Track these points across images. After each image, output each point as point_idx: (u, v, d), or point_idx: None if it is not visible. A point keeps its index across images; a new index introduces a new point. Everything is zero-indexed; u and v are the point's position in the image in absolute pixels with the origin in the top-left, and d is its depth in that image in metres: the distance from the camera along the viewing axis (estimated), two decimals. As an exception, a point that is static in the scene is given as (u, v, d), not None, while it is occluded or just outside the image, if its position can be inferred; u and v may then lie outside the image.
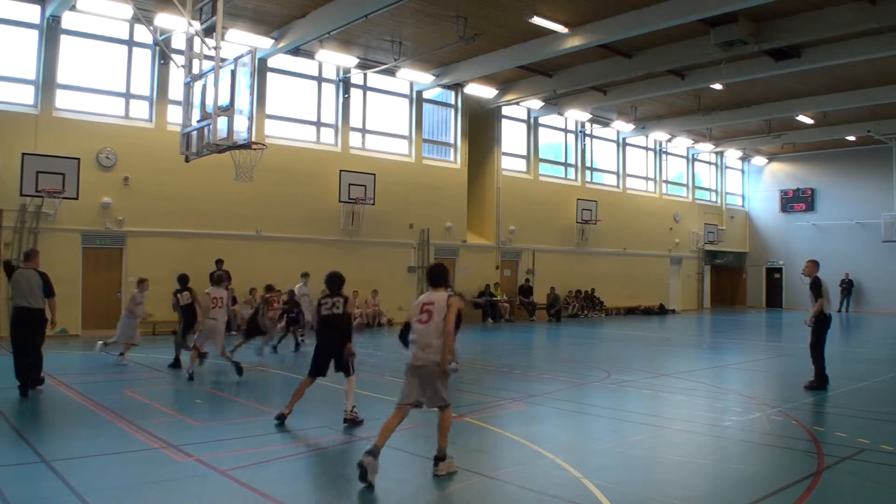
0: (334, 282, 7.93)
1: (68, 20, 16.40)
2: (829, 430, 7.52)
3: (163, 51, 16.37)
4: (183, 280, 11.82)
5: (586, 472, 5.85)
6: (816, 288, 10.51)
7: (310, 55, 19.47)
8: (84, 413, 8.23)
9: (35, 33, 16.09)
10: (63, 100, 16.47)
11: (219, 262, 17.59)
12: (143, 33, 17.29)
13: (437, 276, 6.03)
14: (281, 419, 7.53)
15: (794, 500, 5.27)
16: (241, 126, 10.56)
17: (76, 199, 15.86)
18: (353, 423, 7.60)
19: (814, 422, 8.14)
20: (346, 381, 7.78)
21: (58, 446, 6.48)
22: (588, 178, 28.50)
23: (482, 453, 6.69)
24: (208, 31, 11.55)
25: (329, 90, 20.92)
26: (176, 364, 11.74)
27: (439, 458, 5.82)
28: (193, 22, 11.57)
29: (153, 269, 17.09)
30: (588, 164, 28.55)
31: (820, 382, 10.30)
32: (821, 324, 10.47)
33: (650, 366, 13.05)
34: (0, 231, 15.47)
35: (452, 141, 24.07)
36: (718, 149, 32.98)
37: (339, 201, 20.15)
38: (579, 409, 8.34)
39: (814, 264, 10.91)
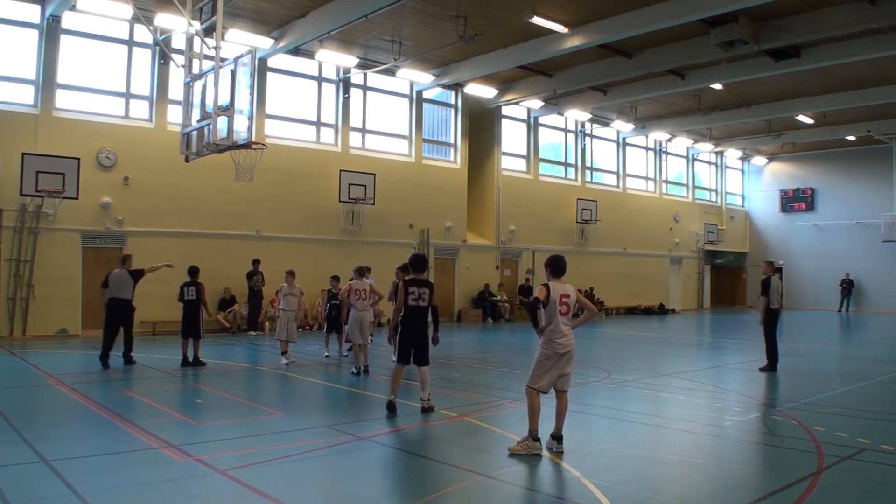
0: (422, 265, 8.34)
1: (68, 20, 16.40)
2: (829, 430, 7.51)
3: (163, 51, 16.37)
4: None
5: (586, 472, 5.85)
6: (764, 286, 12.06)
7: (310, 55, 19.47)
8: (84, 413, 8.23)
9: (35, 33, 16.09)
10: (63, 100, 16.46)
11: (255, 262, 17.92)
12: (143, 33, 17.29)
13: (563, 267, 6.72)
14: (391, 408, 8.01)
15: (794, 500, 5.27)
16: (241, 126, 10.55)
17: (76, 199, 15.86)
18: (430, 410, 8.08)
19: (814, 422, 8.13)
20: (420, 370, 8.16)
21: (58, 446, 6.48)
22: (588, 178, 28.50)
23: (482, 453, 6.68)
24: (208, 31, 11.56)
25: (329, 90, 20.92)
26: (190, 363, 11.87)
27: (558, 438, 6.52)
28: (193, 22, 11.56)
29: (153, 269, 17.14)
30: (588, 164, 28.55)
31: (772, 365, 11.95)
32: (769, 317, 12.13)
33: (650, 366, 13.04)
34: (0, 231, 15.48)
35: (452, 141, 24.08)
36: (718, 149, 32.99)
37: (339, 201, 20.16)
38: (579, 409, 8.33)
39: (768, 265, 12.51)
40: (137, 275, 11.96)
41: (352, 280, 11.95)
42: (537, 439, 6.40)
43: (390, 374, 8.39)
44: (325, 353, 13.42)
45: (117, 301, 11.74)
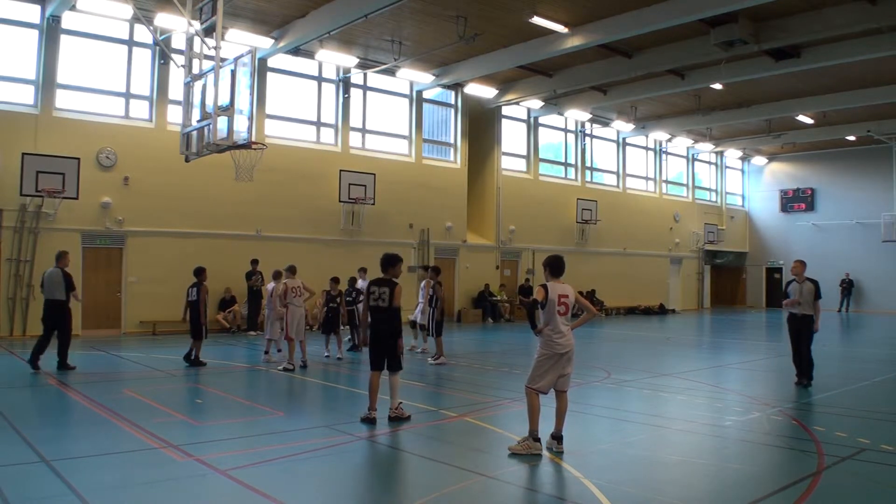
0: (383, 263, 7.99)
1: (68, 20, 16.40)
2: (829, 430, 7.51)
3: (163, 51, 16.37)
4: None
5: (586, 472, 5.85)
6: (819, 291, 10.51)
7: (310, 55, 19.47)
8: (84, 413, 8.24)
9: (35, 33, 16.09)
10: (63, 100, 16.46)
11: (254, 262, 17.94)
12: (143, 33, 17.29)
13: (562, 267, 6.66)
14: (369, 422, 7.56)
15: (794, 500, 5.27)
16: (241, 126, 10.56)
17: (76, 199, 15.86)
18: (402, 419, 7.66)
19: (814, 422, 8.13)
20: (389, 376, 7.76)
21: (58, 446, 6.48)
22: (588, 178, 28.51)
23: (482, 453, 6.69)
24: (208, 31, 11.56)
25: (329, 90, 20.92)
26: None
27: (558, 438, 6.51)
28: (193, 22, 11.57)
29: (153, 269, 17.18)
30: (588, 163, 28.56)
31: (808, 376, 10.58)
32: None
33: (650, 366, 13.04)
34: (0, 231, 15.48)
35: (452, 141, 24.08)
36: (718, 149, 32.99)
37: (339, 201, 20.16)
38: (579, 409, 8.33)
39: (803, 265, 10.74)
40: (69, 279, 11.29)
41: (286, 279, 12.41)
42: (537, 439, 6.39)
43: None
44: (325, 354, 13.42)
45: (50, 303, 11.21)
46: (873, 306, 31.52)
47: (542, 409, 6.51)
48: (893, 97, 22.56)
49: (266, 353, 12.90)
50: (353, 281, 14.50)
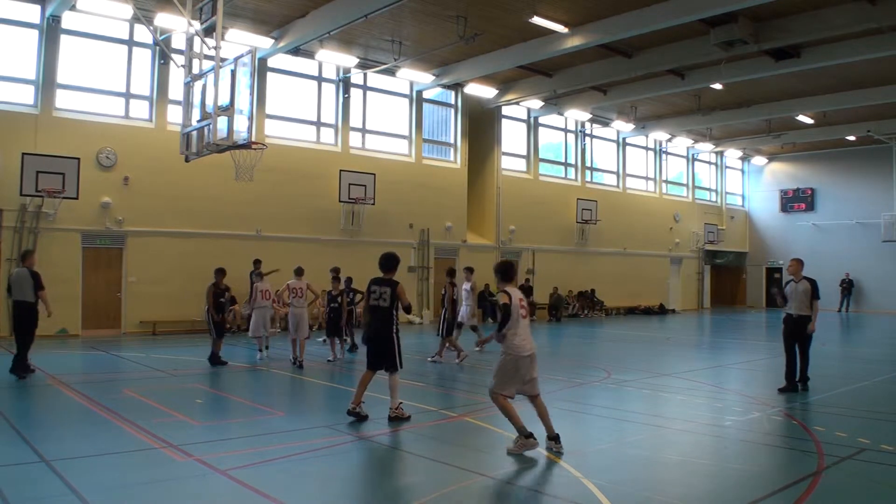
0: (385, 264, 7.93)
1: (68, 20, 16.40)
2: (829, 430, 7.51)
3: (163, 51, 16.37)
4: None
5: (586, 472, 5.85)
6: (817, 290, 9.94)
7: (310, 55, 19.47)
8: (84, 413, 8.23)
9: (35, 33, 16.09)
10: (63, 100, 16.46)
11: (256, 263, 17.80)
12: (143, 33, 17.29)
13: (514, 272, 6.85)
14: (355, 415, 7.59)
15: (794, 500, 5.27)
16: (241, 126, 10.55)
17: (76, 199, 15.87)
18: (402, 419, 7.62)
19: (814, 422, 8.13)
20: (388, 377, 7.75)
21: (58, 446, 6.48)
22: (588, 178, 28.51)
23: (482, 453, 6.69)
24: (208, 31, 11.55)
25: (329, 90, 20.92)
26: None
27: (555, 438, 6.46)
28: (193, 22, 11.56)
29: (153, 269, 17.18)
30: (588, 163, 28.55)
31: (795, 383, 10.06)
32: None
33: (650, 366, 13.04)
34: (0, 231, 15.48)
35: (452, 141, 24.08)
36: (718, 149, 32.99)
37: (339, 201, 20.16)
38: (579, 408, 8.34)
39: (799, 263, 10.11)
40: (38, 278, 10.54)
41: (291, 280, 12.76)
42: (529, 435, 6.40)
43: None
44: (329, 359, 13.39)
45: (19, 304, 10.50)
46: (873, 306, 31.52)
47: (530, 414, 6.49)
48: (893, 97, 22.55)
49: (260, 350, 13.16)
50: (349, 280, 14.48)
